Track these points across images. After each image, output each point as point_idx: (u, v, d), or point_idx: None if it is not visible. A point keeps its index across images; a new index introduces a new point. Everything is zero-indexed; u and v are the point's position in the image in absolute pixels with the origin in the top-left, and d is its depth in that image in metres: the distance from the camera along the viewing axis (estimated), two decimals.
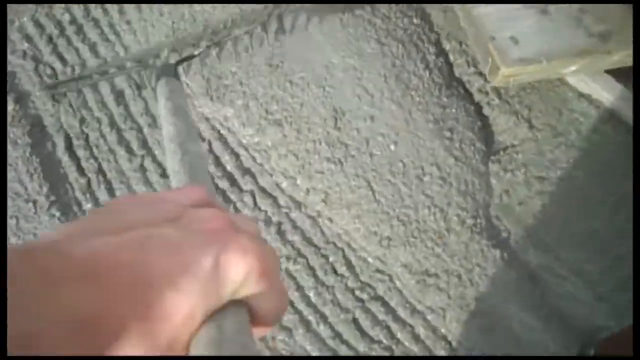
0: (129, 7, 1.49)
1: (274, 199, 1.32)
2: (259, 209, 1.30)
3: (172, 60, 0.93)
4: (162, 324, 0.27)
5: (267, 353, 1.20)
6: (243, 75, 1.42)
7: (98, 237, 0.28)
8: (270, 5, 1.37)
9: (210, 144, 1.35)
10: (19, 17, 1.47)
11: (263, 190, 1.33)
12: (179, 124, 0.56)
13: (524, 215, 1.36)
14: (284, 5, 1.44)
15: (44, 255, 0.26)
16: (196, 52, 1.17)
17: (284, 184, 1.34)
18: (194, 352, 0.28)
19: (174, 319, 0.27)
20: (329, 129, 1.38)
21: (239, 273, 0.29)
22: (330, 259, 1.28)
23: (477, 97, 1.48)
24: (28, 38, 1.46)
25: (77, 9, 1.49)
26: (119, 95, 1.39)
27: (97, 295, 0.25)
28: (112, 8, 1.49)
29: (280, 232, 1.29)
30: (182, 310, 0.27)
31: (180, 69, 0.83)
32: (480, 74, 1.48)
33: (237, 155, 1.35)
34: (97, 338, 0.25)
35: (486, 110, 1.47)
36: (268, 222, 1.29)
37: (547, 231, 1.34)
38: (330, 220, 1.31)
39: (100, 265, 0.26)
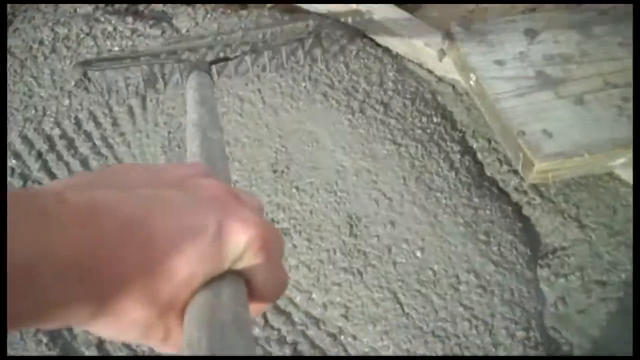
0: (122, 119, 1.64)
1: (288, 316, 1.32)
2: (271, 327, 1.31)
3: (208, 59, 1.08)
4: (164, 281, 0.32)
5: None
6: (245, 184, 1.52)
7: (101, 189, 0.33)
8: (311, 24, 1.51)
9: None
10: (7, 134, 1.61)
11: (274, 306, 1.36)
12: (202, 113, 0.65)
13: (587, 325, 1.35)
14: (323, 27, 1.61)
15: (44, 198, 0.30)
16: (231, 56, 1.32)
17: (298, 299, 1.35)
18: (188, 314, 0.33)
19: (175, 279, 0.32)
20: (343, 237, 1.44)
21: (240, 242, 0.34)
22: None
23: (515, 196, 1.55)
24: (16, 155, 1.59)
25: (68, 123, 1.65)
26: None
27: (97, 243, 0.30)
28: (106, 120, 1.65)
29: (297, 353, 1.29)
30: (183, 271, 0.32)
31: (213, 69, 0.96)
32: (516, 172, 1.57)
33: None
34: (97, 284, 0.30)
35: (526, 211, 1.53)
36: (282, 341, 1.29)
37: (619, 342, 1.34)
38: (354, 337, 1.31)
39: (102, 216, 0.31)
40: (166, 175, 0.38)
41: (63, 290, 0.29)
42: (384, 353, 1.29)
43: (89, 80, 1.67)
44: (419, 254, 1.42)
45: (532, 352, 1.29)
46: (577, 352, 1.31)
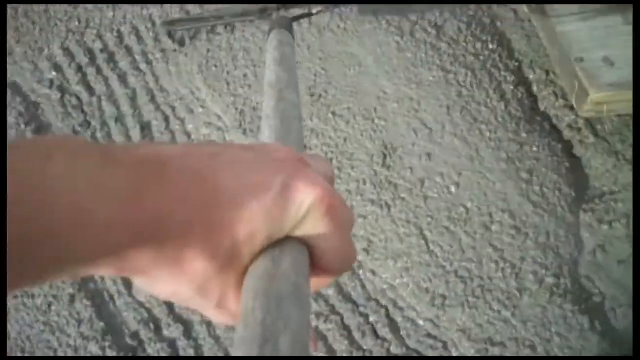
0: (164, 35, 1.68)
1: None
2: None
3: (289, 15, 1.12)
4: (225, 236, 0.32)
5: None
6: None
7: (167, 145, 0.35)
8: None
9: None
10: (49, 45, 1.66)
11: None
12: (281, 73, 0.66)
13: (625, 277, 1.30)
14: None
15: (113, 148, 0.32)
16: (314, 11, 1.35)
17: None
18: (248, 280, 0.33)
19: (236, 234, 0.33)
20: (376, 167, 1.42)
21: (304, 201, 0.34)
22: (371, 319, 1.26)
23: (567, 134, 1.47)
24: (57, 67, 1.64)
25: (110, 36, 1.67)
26: None
27: (158, 188, 0.31)
28: (148, 35, 1.68)
29: None
30: (245, 227, 0.33)
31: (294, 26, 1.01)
32: (572, 108, 1.49)
33: None
34: (157, 228, 0.31)
35: (578, 150, 1.46)
36: None
37: None
38: (373, 273, 1.31)
39: (167, 165, 0.32)
40: (234, 143, 0.39)
41: (120, 231, 0.29)
42: (402, 291, 1.29)
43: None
44: (453, 189, 1.39)
45: (559, 301, 1.26)
46: (609, 305, 1.27)
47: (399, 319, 1.27)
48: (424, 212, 1.36)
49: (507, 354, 1.21)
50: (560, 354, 1.21)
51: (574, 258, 1.32)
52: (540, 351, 1.21)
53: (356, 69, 1.54)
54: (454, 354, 1.23)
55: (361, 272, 1.32)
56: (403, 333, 1.26)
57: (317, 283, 0.39)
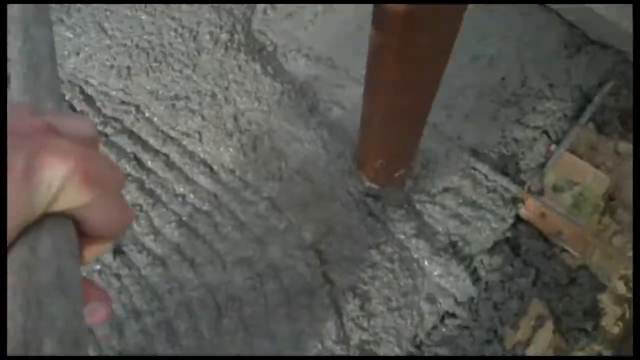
0: None
1: None
2: None
3: None
4: None
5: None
6: None
7: None
8: None
9: None
10: None
11: None
12: (26, 4, 0.57)
13: (294, 26, 1.46)
14: None
15: None
16: None
17: None
18: (7, 277, 0.29)
19: None
20: None
21: (55, 176, 0.30)
22: (67, 97, 1.36)
23: None
24: None
25: None
26: None
27: None
28: None
29: None
30: None
31: None
32: None
33: None
34: None
35: None
36: None
37: (323, 40, 1.45)
38: (60, 66, 1.40)
39: None
40: None
41: None
42: (91, 72, 1.39)
43: None
44: None
45: (233, 53, 1.41)
46: (280, 51, 1.43)
47: (93, 94, 1.38)
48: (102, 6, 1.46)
49: (192, 105, 1.36)
50: (237, 98, 1.37)
51: (247, 17, 1.47)
52: (220, 97, 1.37)
53: None
54: (147, 114, 1.36)
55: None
56: (98, 104, 1.37)
57: (94, 251, 0.36)
